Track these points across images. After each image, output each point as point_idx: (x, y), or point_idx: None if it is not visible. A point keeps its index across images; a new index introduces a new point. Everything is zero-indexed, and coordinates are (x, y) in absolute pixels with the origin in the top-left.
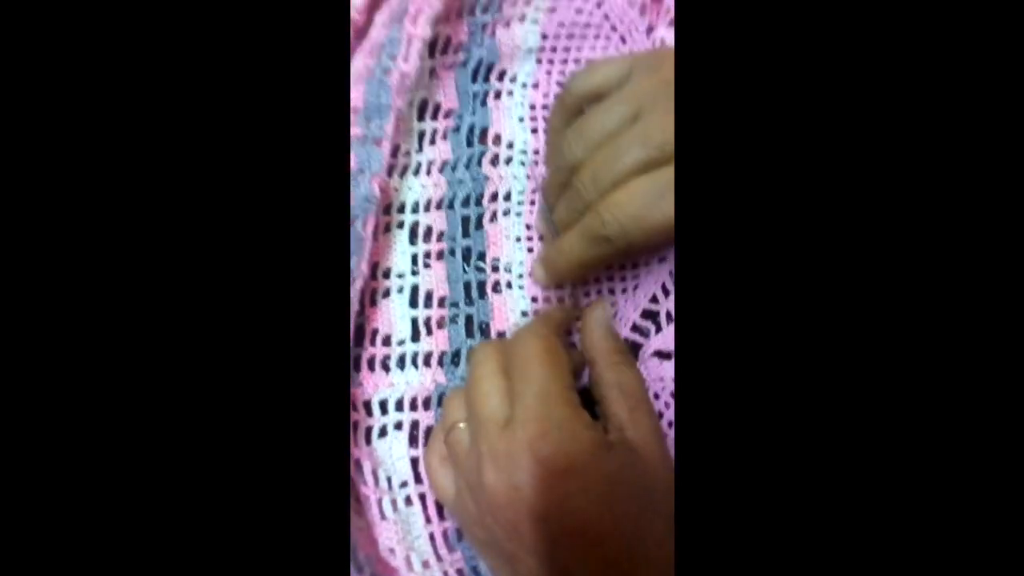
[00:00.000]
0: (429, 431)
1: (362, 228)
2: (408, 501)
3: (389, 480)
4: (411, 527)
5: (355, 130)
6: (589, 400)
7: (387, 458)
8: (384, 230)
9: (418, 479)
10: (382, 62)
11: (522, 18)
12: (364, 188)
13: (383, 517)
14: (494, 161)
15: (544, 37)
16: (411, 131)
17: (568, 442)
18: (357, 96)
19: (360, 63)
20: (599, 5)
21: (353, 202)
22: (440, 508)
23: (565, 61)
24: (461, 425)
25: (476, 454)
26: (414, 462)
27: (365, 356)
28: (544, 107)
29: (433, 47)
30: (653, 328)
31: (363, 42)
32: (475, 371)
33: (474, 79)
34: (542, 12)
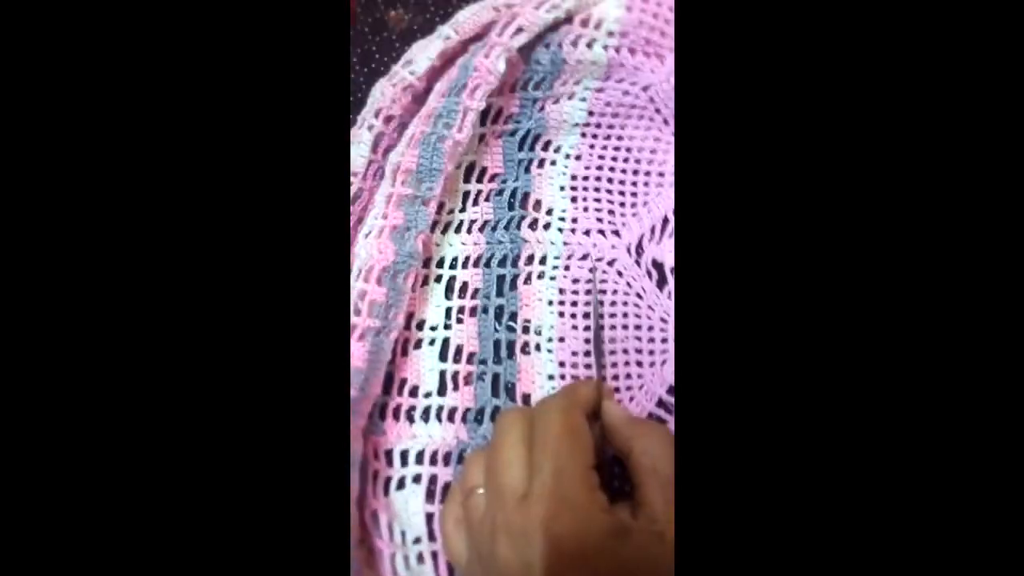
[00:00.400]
0: (447, 487)
1: (403, 282)
2: (420, 558)
3: (403, 534)
4: None
5: (406, 190)
6: (609, 478)
7: (403, 511)
8: (422, 283)
9: (432, 536)
10: (437, 129)
11: (571, 96)
12: (409, 245)
13: (395, 574)
14: (533, 225)
15: (590, 114)
16: (456, 191)
17: (582, 524)
18: (411, 159)
19: (415, 129)
20: (645, 89)
21: (398, 258)
22: (451, 569)
23: (608, 137)
24: (480, 491)
25: (491, 524)
26: (429, 518)
27: (391, 405)
28: (585, 178)
29: (485, 115)
30: None
31: (420, 108)
32: (499, 438)
33: (521, 147)
34: (590, 91)
